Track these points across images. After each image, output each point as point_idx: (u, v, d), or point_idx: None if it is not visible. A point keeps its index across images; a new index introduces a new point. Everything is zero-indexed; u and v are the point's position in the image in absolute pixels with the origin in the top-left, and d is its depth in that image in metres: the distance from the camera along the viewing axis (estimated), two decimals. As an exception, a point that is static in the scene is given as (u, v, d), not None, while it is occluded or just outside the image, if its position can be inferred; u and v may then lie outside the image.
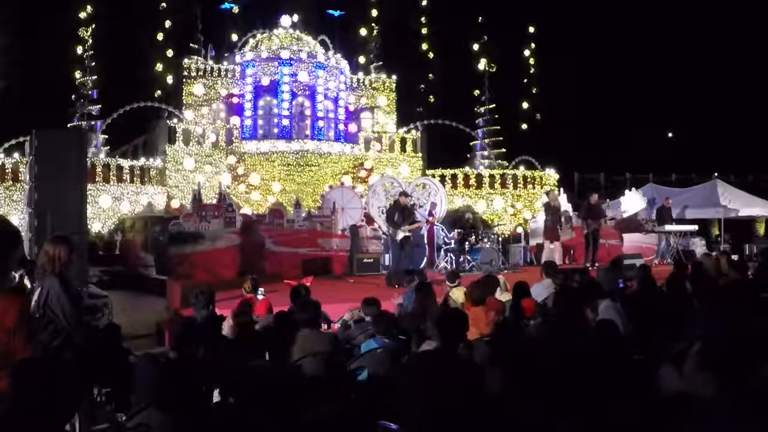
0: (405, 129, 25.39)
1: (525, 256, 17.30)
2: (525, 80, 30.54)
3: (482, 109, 27.89)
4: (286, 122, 23.05)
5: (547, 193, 16.10)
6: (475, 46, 29.40)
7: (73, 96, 23.89)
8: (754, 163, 27.97)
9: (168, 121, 22.36)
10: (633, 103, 33.16)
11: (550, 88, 30.64)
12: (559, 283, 7.60)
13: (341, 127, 24.12)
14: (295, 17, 25.18)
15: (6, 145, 21.55)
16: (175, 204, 20.42)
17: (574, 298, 5.59)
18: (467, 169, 25.13)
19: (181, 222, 15.38)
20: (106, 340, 6.14)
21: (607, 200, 20.74)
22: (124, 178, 20.68)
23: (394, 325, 6.01)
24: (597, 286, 6.26)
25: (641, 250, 15.87)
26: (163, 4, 27.02)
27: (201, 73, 23.68)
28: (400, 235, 12.52)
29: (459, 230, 15.39)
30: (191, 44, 25.05)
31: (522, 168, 26.16)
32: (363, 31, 28.32)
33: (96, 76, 23.86)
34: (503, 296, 7.36)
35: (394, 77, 26.23)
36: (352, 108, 25.15)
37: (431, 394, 3.73)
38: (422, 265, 14.23)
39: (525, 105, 30.28)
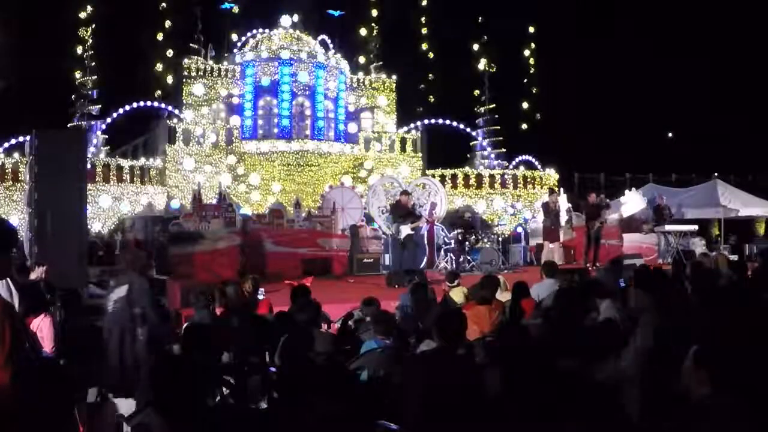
0: (405, 129, 25.38)
1: (525, 256, 17.30)
2: (525, 80, 30.50)
3: (482, 109, 27.87)
4: (286, 122, 23.04)
5: (549, 194, 16.10)
6: (475, 46, 29.36)
7: (73, 96, 23.88)
8: (754, 163, 27.95)
9: (168, 121, 22.36)
10: (633, 103, 33.14)
11: (550, 88, 30.62)
12: (564, 283, 7.61)
13: (341, 127, 24.12)
14: (295, 17, 25.16)
15: (6, 145, 21.55)
16: (175, 204, 20.43)
17: (574, 298, 5.60)
18: (467, 169, 25.14)
19: (181, 222, 15.39)
20: (105, 341, 6.15)
21: (607, 200, 20.71)
22: (124, 178, 20.68)
23: (394, 325, 6.02)
24: (598, 284, 6.26)
25: (641, 250, 15.86)
26: (163, 4, 26.97)
27: (201, 73, 23.67)
28: (404, 233, 12.51)
29: (459, 230, 15.40)
30: (191, 44, 25.02)
31: (522, 168, 26.16)
32: (363, 31, 28.29)
33: (96, 76, 23.84)
34: (503, 296, 7.36)
35: (394, 77, 26.21)
36: (352, 108, 25.14)
37: (431, 394, 3.74)
38: (422, 265, 14.23)
39: (525, 105, 30.23)
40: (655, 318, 3.24)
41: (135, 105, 23.57)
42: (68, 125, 22.85)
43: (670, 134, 37.34)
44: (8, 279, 5.55)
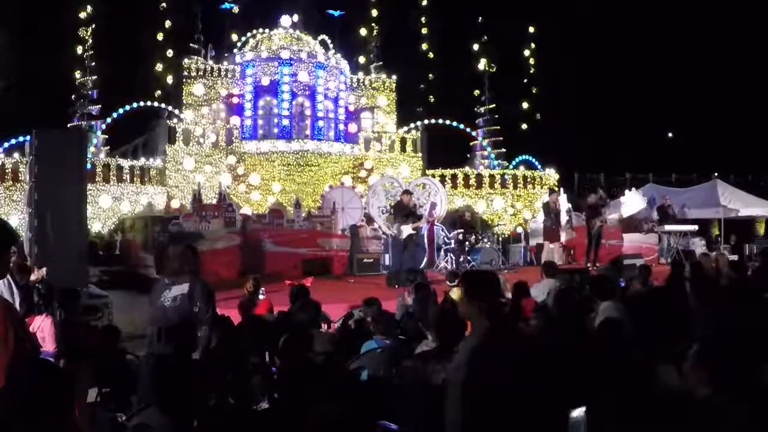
0: (405, 129, 25.36)
1: (525, 256, 17.33)
2: (525, 80, 30.47)
3: (482, 109, 27.86)
4: (286, 122, 23.04)
5: (550, 194, 16.12)
6: (475, 46, 29.34)
7: (73, 96, 23.86)
8: (754, 163, 27.95)
9: (168, 121, 22.34)
10: (633, 103, 33.13)
11: (550, 88, 30.60)
12: (564, 283, 7.62)
13: (341, 127, 24.12)
14: (295, 17, 25.15)
15: (6, 145, 21.53)
16: (175, 204, 20.42)
17: (575, 297, 5.60)
18: (467, 169, 25.12)
19: (181, 222, 15.41)
20: (105, 341, 6.15)
21: (608, 200, 20.73)
22: (124, 178, 20.66)
23: (395, 325, 6.02)
24: (607, 281, 6.25)
25: (641, 250, 15.87)
26: (163, 4, 26.94)
27: (201, 73, 23.65)
28: (405, 233, 12.52)
29: (459, 230, 15.40)
30: (191, 44, 25.01)
31: (522, 168, 26.14)
32: (363, 31, 28.27)
33: (96, 76, 23.82)
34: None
35: (394, 77, 26.19)
36: (352, 108, 25.13)
37: (430, 394, 3.73)
38: (422, 265, 14.25)
39: (525, 105, 30.21)
40: (483, 323, 3.24)
41: (135, 105, 23.55)
42: (68, 125, 22.82)
43: (670, 134, 37.34)
44: (10, 279, 5.57)
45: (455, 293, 7.74)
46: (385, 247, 15.34)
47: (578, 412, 3.42)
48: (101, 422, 4.09)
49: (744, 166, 27.67)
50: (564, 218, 16.00)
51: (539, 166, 26.42)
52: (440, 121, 26.40)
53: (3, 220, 3.40)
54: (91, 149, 20.85)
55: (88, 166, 14.17)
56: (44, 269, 6.60)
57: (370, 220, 17.30)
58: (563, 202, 17.21)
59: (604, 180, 28.60)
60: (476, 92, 28.60)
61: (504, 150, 27.35)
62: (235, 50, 25.29)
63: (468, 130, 27.34)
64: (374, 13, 28.36)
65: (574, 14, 33.16)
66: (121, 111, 23.36)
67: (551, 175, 25.14)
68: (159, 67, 26.13)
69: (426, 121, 26.10)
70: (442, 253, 15.62)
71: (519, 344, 3.37)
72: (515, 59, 30.30)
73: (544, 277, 8.33)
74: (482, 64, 28.76)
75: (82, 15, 24.42)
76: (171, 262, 5.48)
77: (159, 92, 25.49)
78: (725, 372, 2.69)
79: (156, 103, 24.13)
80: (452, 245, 15.35)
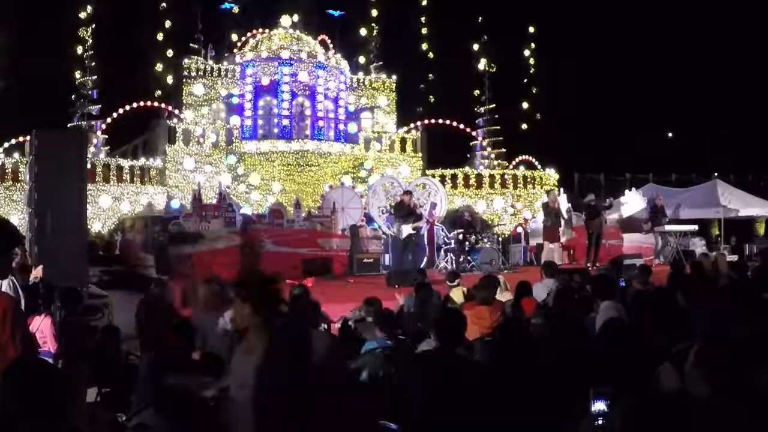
0: (405, 129, 25.37)
1: (525, 256, 17.32)
2: (525, 80, 30.46)
3: (482, 109, 27.85)
4: (286, 122, 23.04)
5: (548, 193, 16.11)
6: (475, 46, 29.34)
7: (73, 96, 23.86)
8: (754, 163, 27.92)
9: (168, 121, 22.35)
10: (633, 103, 33.12)
11: (550, 88, 30.59)
12: (564, 283, 7.62)
13: (341, 127, 24.12)
14: (295, 17, 25.15)
15: (6, 145, 21.54)
16: (175, 204, 20.42)
17: (574, 297, 5.60)
18: (467, 169, 25.12)
19: (181, 222, 15.42)
20: (105, 341, 6.16)
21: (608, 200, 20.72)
22: (124, 178, 20.67)
23: (395, 324, 6.02)
24: (607, 281, 6.25)
25: (641, 250, 15.86)
26: (163, 4, 26.94)
27: (201, 73, 23.65)
28: (405, 233, 12.54)
29: (459, 230, 15.40)
30: (191, 44, 25.01)
31: (522, 168, 26.14)
32: (363, 31, 28.27)
33: (96, 76, 23.82)
34: (503, 296, 7.37)
35: (394, 77, 26.20)
36: (352, 108, 25.13)
37: (430, 394, 3.73)
38: (422, 265, 14.24)
39: (525, 105, 30.19)
40: (264, 337, 3.07)
41: (135, 105, 23.55)
42: (68, 125, 22.83)
43: (670, 134, 37.31)
44: (13, 279, 5.57)
45: (455, 293, 7.76)
46: (385, 247, 15.35)
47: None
48: (101, 422, 4.08)
49: (744, 166, 27.64)
50: (564, 218, 15.98)
51: (539, 166, 26.42)
52: (440, 121, 26.40)
53: (6, 221, 3.40)
54: (91, 149, 20.84)
55: (88, 166, 14.17)
56: (40, 267, 6.59)
57: (370, 220, 17.30)
58: (563, 202, 17.19)
59: (604, 180, 28.58)
60: (476, 92, 28.60)
61: (504, 150, 27.34)
62: (235, 50, 25.29)
63: (468, 130, 27.35)
64: (374, 13, 28.35)
65: (575, 14, 33.19)
66: (121, 111, 23.36)
67: (551, 175, 25.14)
68: (159, 67, 26.11)
69: (426, 121, 26.10)
70: (442, 253, 15.62)
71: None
72: (515, 59, 30.29)
73: (544, 277, 8.33)
74: (482, 64, 28.75)
75: (82, 15, 24.41)
76: (212, 301, 5.57)
77: (159, 92, 25.49)
78: (725, 372, 2.69)
79: (156, 103, 24.13)
80: (452, 245, 15.35)
